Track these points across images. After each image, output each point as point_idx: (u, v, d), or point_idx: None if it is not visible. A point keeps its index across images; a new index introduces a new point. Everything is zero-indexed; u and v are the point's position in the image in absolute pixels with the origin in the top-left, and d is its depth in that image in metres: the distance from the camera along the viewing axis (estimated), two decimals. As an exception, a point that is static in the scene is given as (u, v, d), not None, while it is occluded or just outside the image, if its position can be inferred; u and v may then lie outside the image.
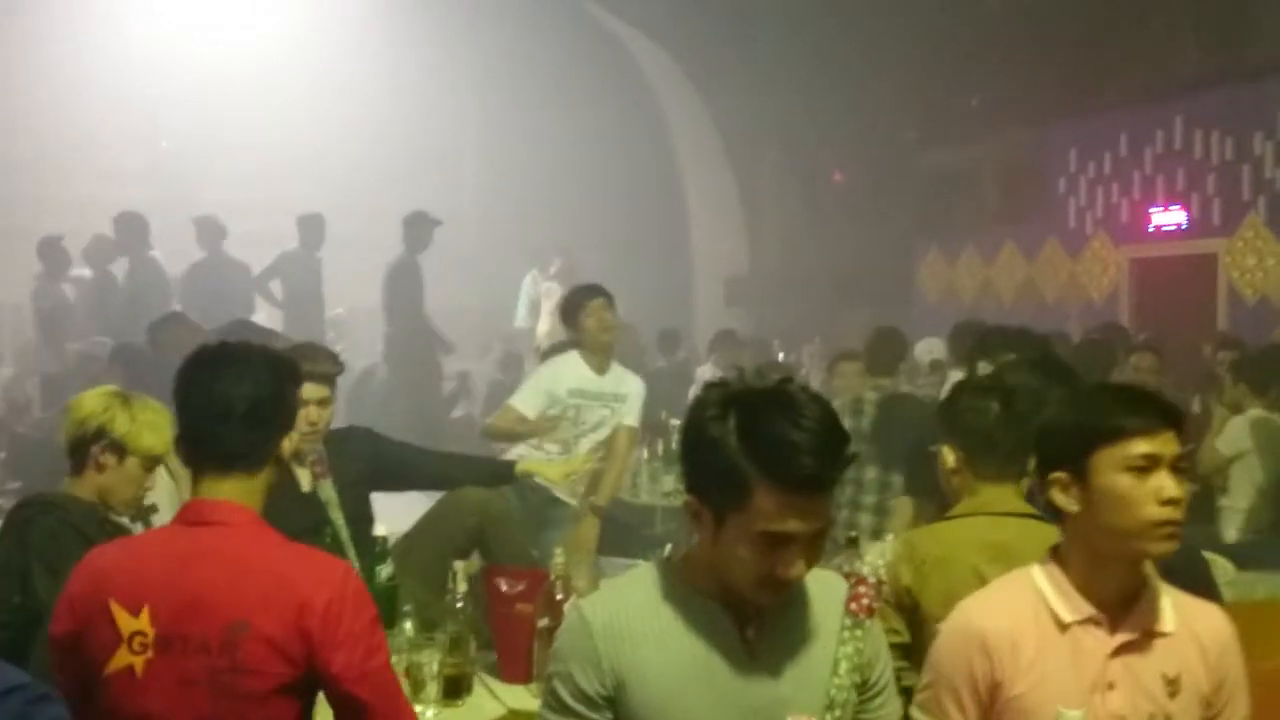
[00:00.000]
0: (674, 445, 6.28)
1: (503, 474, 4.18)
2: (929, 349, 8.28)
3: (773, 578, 1.83)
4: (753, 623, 1.93)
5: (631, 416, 5.26)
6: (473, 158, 13.73)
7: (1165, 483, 2.03)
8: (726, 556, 1.86)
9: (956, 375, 5.76)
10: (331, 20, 11.44)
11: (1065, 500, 2.12)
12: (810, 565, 1.86)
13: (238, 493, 2.18)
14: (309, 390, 3.37)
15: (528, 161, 12.66)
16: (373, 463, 3.69)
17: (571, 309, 5.24)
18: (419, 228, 9.15)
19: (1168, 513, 2.04)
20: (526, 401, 5.11)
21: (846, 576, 2.06)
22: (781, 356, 9.81)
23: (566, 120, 12.28)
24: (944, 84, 10.74)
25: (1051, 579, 2.15)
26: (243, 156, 11.88)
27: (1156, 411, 2.08)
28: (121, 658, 2.05)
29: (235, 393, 2.17)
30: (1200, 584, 2.67)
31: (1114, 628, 2.11)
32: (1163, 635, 2.11)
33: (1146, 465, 2.04)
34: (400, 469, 3.84)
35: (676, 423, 6.44)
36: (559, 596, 2.89)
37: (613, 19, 12.65)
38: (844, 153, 12.22)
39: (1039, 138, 10.45)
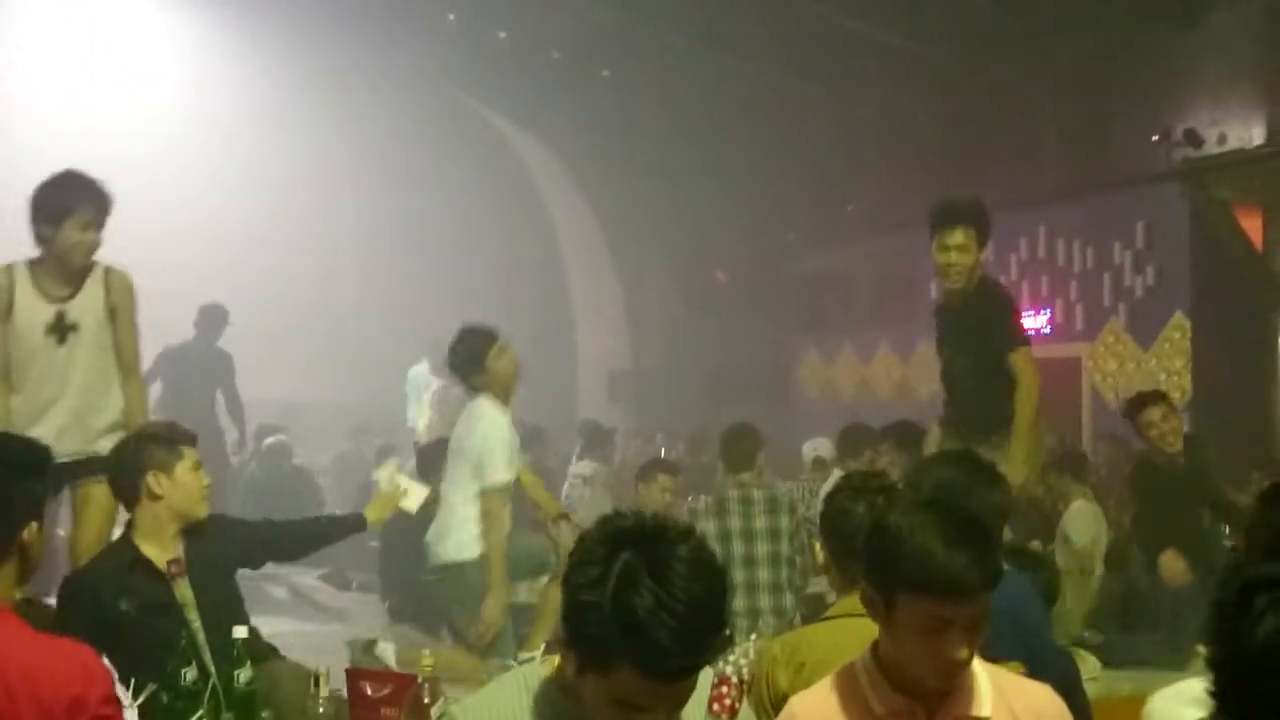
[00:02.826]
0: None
1: (356, 524, 4.28)
2: (814, 447, 8.37)
3: None
4: None
5: None
6: (352, 251, 13.61)
7: (953, 643, 2.05)
8: (586, 697, 1.82)
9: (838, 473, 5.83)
10: (207, 109, 11.32)
11: (871, 611, 2.17)
12: None
13: None
14: (194, 454, 3.43)
15: (408, 256, 12.59)
16: (244, 543, 3.66)
17: (477, 351, 5.07)
18: (212, 318, 8.95)
19: (948, 668, 2.08)
20: (505, 469, 4.89)
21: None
22: (664, 451, 9.83)
23: (448, 214, 12.29)
24: (822, 190, 11.07)
25: (867, 670, 2.19)
26: (113, 245, 11.58)
27: (970, 577, 2.05)
28: None
29: None
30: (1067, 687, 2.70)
31: (929, 716, 2.14)
32: (979, 719, 2.15)
33: (939, 627, 2.06)
34: (263, 546, 3.82)
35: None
36: (426, 700, 2.79)
37: (497, 115, 12.79)
38: (725, 253, 12.45)
39: (911, 242, 10.75)
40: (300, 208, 12.25)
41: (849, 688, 2.19)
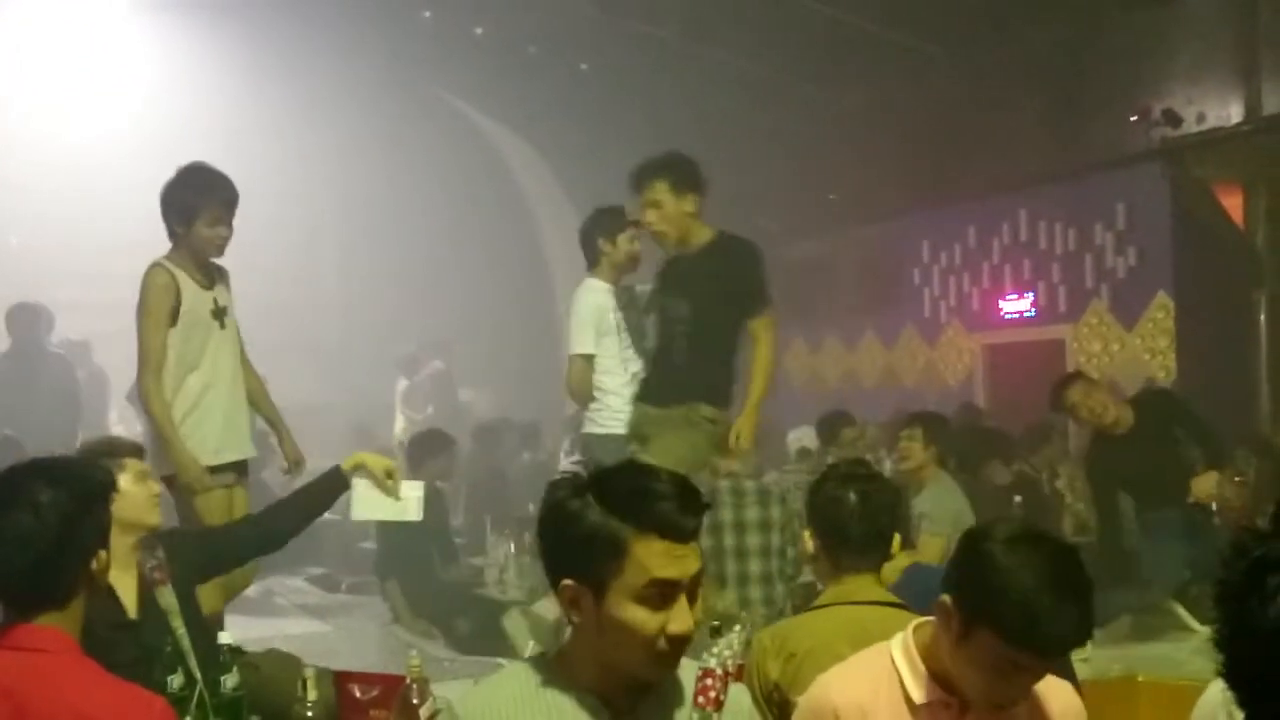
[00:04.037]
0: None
1: (335, 483, 3.77)
2: (799, 437, 8.39)
3: (666, 638, 1.81)
4: (628, 718, 1.89)
5: None
6: (333, 252, 13.56)
7: (1020, 685, 2.02)
8: (615, 633, 1.82)
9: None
10: (187, 111, 11.24)
11: (941, 621, 2.08)
12: (695, 621, 1.85)
13: (54, 620, 2.09)
14: (140, 465, 3.30)
15: (391, 256, 12.55)
16: (199, 557, 3.50)
17: (612, 228, 5.24)
18: None
19: (1003, 702, 2.05)
20: (584, 340, 5.09)
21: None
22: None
23: (431, 214, 12.26)
24: (803, 179, 11.06)
25: (909, 659, 2.16)
26: (94, 252, 11.49)
27: (1076, 639, 1.98)
28: None
29: (15, 535, 2.06)
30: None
31: (964, 709, 2.12)
32: (1012, 715, 2.12)
33: (1013, 671, 2.00)
34: (228, 549, 3.65)
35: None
36: (415, 701, 2.78)
37: (475, 111, 12.75)
38: (708, 245, 12.43)
39: (893, 230, 10.80)
40: (278, 208, 12.16)
41: (886, 675, 2.16)
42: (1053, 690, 2.21)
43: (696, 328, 4.82)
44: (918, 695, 2.12)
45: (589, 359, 5.12)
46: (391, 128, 12.13)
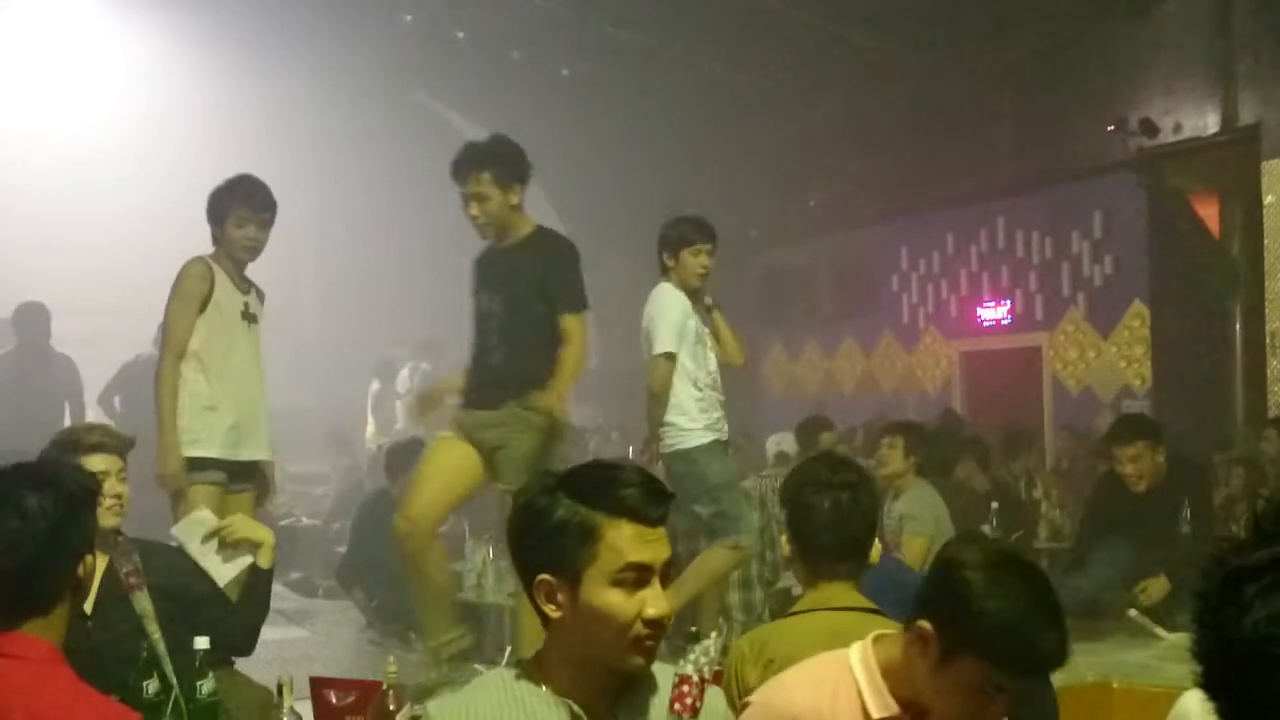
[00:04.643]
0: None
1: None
2: (777, 442, 8.40)
3: (643, 623, 1.82)
4: None
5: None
6: (312, 254, 13.51)
7: (998, 707, 2.01)
8: (593, 622, 1.83)
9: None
10: (167, 114, 11.20)
11: (919, 646, 2.06)
12: (671, 607, 1.86)
13: (35, 627, 2.05)
14: (105, 461, 3.16)
15: (370, 259, 12.51)
16: (183, 581, 3.31)
17: (675, 241, 5.10)
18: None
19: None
20: (668, 339, 4.93)
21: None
22: (632, 452, 9.81)
23: (410, 217, 12.22)
24: (783, 186, 11.09)
25: (867, 670, 2.16)
26: (79, 252, 11.42)
27: (1060, 659, 1.97)
28: None
29: (2, 540, 2.02)
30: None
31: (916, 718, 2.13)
32: None
33: (994, 691, 2.00)
34: (197, 603, 3.31)
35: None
36: (391, 707, 2.77)
37: (456, 115, 12.72)
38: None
39: (872, 237, 10.85)
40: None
41: (845, 685, 2.15)
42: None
43: (510, 323, 4.65)
44: (875, 709, 2.12)
45: (672, 358, 4.93)
46: (371, 131, 12.10)
